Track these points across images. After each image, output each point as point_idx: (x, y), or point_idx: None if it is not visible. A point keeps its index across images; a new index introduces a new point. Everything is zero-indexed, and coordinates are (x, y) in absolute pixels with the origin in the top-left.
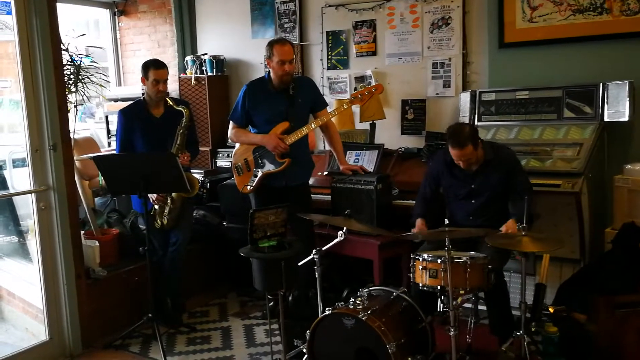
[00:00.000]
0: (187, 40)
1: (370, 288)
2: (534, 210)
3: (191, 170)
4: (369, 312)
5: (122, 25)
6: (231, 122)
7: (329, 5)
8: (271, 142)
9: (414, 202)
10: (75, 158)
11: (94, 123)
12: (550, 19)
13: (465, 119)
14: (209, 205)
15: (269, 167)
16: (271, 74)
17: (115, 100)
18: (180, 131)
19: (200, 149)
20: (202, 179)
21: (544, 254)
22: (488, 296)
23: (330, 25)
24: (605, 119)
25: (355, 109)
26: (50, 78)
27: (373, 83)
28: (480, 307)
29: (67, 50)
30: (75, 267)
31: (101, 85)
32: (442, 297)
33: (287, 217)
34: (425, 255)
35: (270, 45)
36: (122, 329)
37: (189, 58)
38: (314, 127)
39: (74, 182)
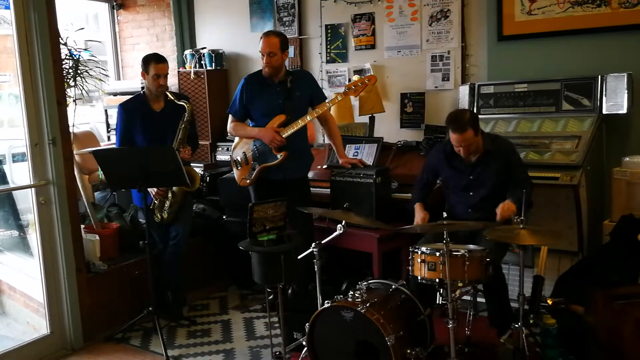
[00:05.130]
0: (185, 34)
1: (369, 281)
2: (530, 198)
3: (191, 164)
4: (367, 304)
5: (120, 19)
6: (230, 115)
7: None
8: (267, 135)
9: None
10: (74, 152)
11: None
12: (549, 11)
13: None
14: (208, 199)
15: (267, 160)
16: None
17: (115, 94)
18: (182, 126)
19: (199, 142)
20: (202, 172)
21: (542, 247)
22: (486, 288)
23: (329, 18)
24: (604, 112)
25: (355, 102)
26: (49, 72)
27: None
28: (479, 299)
29: (65, 44)
30: (75, 261)
31: (100, 80)
32: (441, 290)
33: (286, 211)
34: (424, 248)
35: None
36: (123, 322)
37: (188, 52)
38: (309, 119)
39: (73, 176)
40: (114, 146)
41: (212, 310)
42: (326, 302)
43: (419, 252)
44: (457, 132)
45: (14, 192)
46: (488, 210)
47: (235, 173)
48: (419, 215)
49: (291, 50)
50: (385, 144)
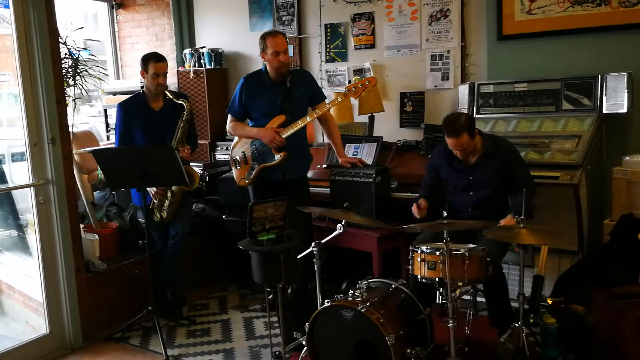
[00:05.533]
0: (185, 33)
1: (369, 280)
2: (533, 203)
3: (190, 164)
4: (367, 304)
5: (120, 19)
6: (229, 115)
7: None
8: (267, 135)
9: (413, 194)
10: (74, 152)
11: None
12: (548, 10)
13: (463, 111)
14: (208, 199)
15: (266, 160)
16: (267, 67)
17: (114, 94)
18: (181, 125)
19: (199, 142)
20: (201, 172)
21: (542, 246)
22: (487, 288)
23: (328, 17)
24: (604, 111)
25: (354, 101)
26: (49, 72)
27: (370, 76)
28: (479, 298)
29: (65, 43)
30: (75, 260)
31: (99, 79)
32: (441, 289)
33: (286, 210)
34: (424, 247)
35: (263, 38)
36: (122, 322)
37: (187, 51)
38: (309, 119)
39: (72, 175)
40: (114, 145)
41: (211, 310)
42: (326, 301)
43: (419, 251)
44: (452, 137)
45: (13, 192)
46: (489, 209)
47: (234, 172)
48: (419, 204)
49: (290, 49)
50: (385, 144)
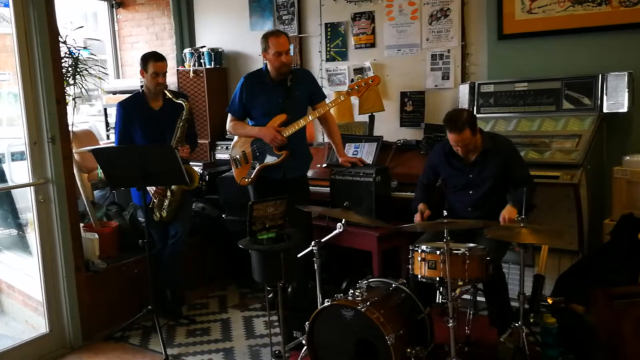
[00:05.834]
0: (185, 32)
1: (369, 279)
2: (531, 200)
3: (190, 163)
4: (367, 303)
5: (120, 18)
6: (229, 114)
7: None
8: (268, 134)
9: (413, 194)
10: (74, 151)
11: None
12: (549, 10)
13: None
14: (208, 198)
15: (267, 159)
16: (268, 66)
17: (114, 93)
18: (180, 124)
19: (199, 141)
20: (201, 171)
21: (542, 246)
22: (487, 287)
23: (328, 17)
24: (604, 111)
25: (355, 101)
26: (49, 71)
27: (371, 75)
28: (479, 298)
29: (65, 42)
30: (74, 259)
31: (99, 78)
32: (441, 289)
33: (285, 209)
34: (424, 247)
35: (265, 37)
36: (122, 321)
37: (187, 51)
38: (311, 119)
39: (72, 175)
40: (113, 145)
41: (211, 309)
42: (326, 300)
43: (419, 251)
44: (455, 132)
45: (13, 191)
46: (488, 209)
47: (235, 172)
48: (421, 210)
49: (291, 48)
50: (385, 143)
